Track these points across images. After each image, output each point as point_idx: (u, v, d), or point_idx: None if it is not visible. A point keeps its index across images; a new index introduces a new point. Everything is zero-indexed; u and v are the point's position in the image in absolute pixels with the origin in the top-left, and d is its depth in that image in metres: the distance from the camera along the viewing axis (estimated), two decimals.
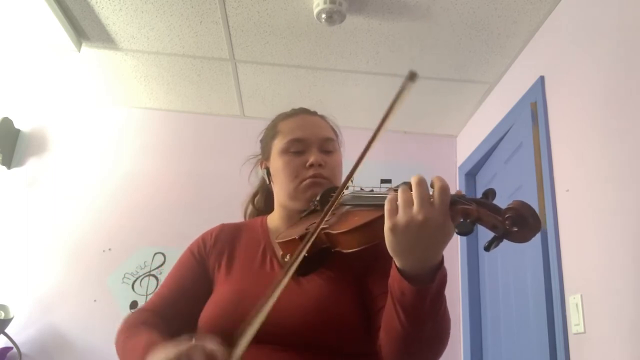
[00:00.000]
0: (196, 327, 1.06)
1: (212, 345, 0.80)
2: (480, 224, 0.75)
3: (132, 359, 0.96)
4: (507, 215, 0.71)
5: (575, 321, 1.74)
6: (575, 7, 1.97)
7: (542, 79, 2.14)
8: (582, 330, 1.69)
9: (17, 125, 3.01)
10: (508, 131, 2.44)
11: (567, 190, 1.88)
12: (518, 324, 2.21)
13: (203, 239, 1.20)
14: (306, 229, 0.98)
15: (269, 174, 1.21)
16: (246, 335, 0.81)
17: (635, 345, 1.47)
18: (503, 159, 2.52)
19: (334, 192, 0.98)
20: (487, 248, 0.73)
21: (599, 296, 1.65)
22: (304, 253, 0.89)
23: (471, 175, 2.93)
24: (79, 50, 2.52)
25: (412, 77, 0.82)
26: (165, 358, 0.79)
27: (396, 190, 0.81)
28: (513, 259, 2.31)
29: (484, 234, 0.76)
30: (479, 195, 0.79)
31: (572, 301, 1.76)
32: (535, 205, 2.01)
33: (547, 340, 1.87)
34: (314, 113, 1.24)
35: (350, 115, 2.95)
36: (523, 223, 0.70)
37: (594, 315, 1.66)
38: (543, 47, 2.19)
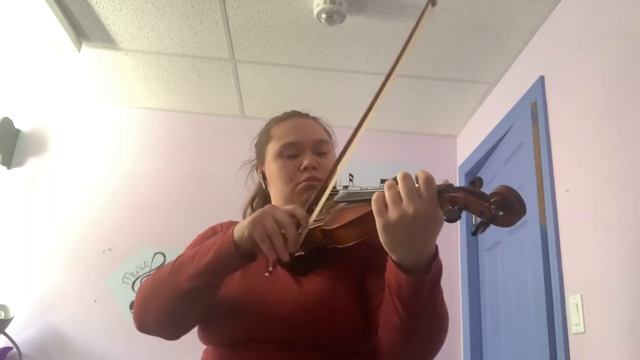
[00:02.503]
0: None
1: (287, 207, 0.93)
2: (468, 211, 0.77)
3: (198, 255, 0.96)
4: (492, 200, 0.73)
5: (575, 321, 1.74)
6: (575, 7, 1.97)
7: (542, 79, 2.14)
8: (582, 330, 1.69)
9: (17, 125, 3.01)
10: (508, 131, 2.44)
11: (567, 190, 1.88)
12: (518, 324, 2.21)
13: (214, 229, 1.22)
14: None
15: (264, 178, 1.22)
16: (321, 198, 0.95)
17: (635, 345, 1.47)
18: (503, 159, 2.52)
19: (330, 193, 1.00)
20: (474, 233, 0.75)
21: (599, 296, 1.65)
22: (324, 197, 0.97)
23: (471, 175, 2.93)
24: (79, 50, 2.52)
25: (432, 2, 0.86)
26: (252, 217, 0.90)
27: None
28: (513, 259, 2.31)
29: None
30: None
31: (572, 301, 1.76)
32: (535, 205, 2.03)
33: (547, 340, 1.87)
34: (306, 115, 1.25)
35: (350, 116, 2.93)
36: (508, 207, 0.73)
37: (594, 315, 1.67)
38: (543, 47, 2.19)
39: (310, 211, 0.94)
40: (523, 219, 0.75)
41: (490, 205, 0.73)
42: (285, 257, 0.88)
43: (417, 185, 0.79)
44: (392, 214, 0.78)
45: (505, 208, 0.72)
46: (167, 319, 1.00)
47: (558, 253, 1.89)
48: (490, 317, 2.57)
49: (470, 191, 0.77)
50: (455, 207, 0.77)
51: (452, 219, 0.76)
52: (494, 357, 2.48)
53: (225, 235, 0.94)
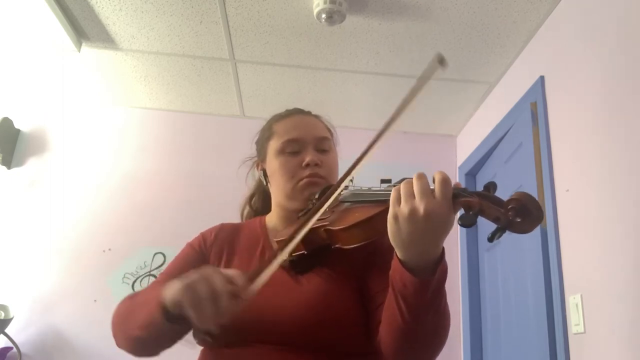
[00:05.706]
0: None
1: (229, 272, 0.85)
2: (483, 216, 0.76)
3: (144, 305, 0.97)
4: (509, 207, 0.72)
5: (575, 321, 1.74)
6: (575, 7, 1.97)
7: (542, 79, 2.14)
8: (582, 330, 1.69)
9: (17, 125, 3.01)
10: (508, 131, 2.44)
11: (567, 190, 1.88)
12: (518, 324, 2.21)
13: (203, 236, 1.21)
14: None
15: (265, 175, 1.21)
16: (263, 272, 0.86)
17: (635, 345, 1.47)
18: (503, 159, 2.52)
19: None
20: (491, 239, 0.74)
21: (599, 296, 1.65)
22: (303, 232, 0.90)
23: (471, 175, 2.93)
24: (79, 50, 2.52)
25: (441, 61, 0.83)
26: (186, 281, 0.83)
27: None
28: (513, 259, 2.31)
29: (484, 232, 0.77)
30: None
31: (572, 301, 1.76)
32: None
33: (547, 340, 1.87)
34: (308, 113, 1.25)
35: (350, 115, 2.95)
36: (526, 214, 0.71)
37: (594, 315, 1.66)
38: (543, 47, 2.19)
39: (252, 279, 0.85)
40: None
41: (507, 212, 0.72)
42: (212, 330, 0.81)
43: (432, 185, 0.78)
44: (403, 207, 0.78)
45: (522, 214, 0.71)
46: (134, 350, 1.05)
47: (558, 253, 1.89)
48: (490, 317, 2.56)
49: (486, 196, 0.76)
50: (471, 212, 0.76)
51: (467, 224, 0.75)
52: (494, 357, 2.48)
53: (157, 294, 0.90)
